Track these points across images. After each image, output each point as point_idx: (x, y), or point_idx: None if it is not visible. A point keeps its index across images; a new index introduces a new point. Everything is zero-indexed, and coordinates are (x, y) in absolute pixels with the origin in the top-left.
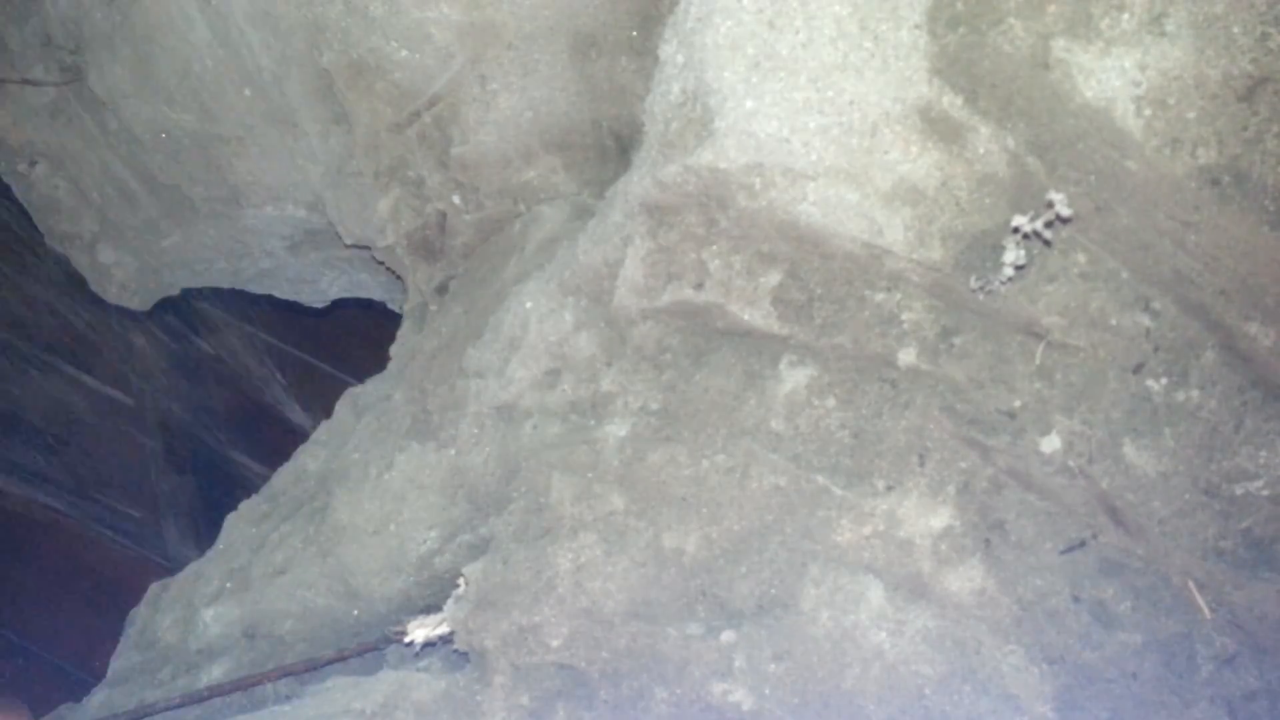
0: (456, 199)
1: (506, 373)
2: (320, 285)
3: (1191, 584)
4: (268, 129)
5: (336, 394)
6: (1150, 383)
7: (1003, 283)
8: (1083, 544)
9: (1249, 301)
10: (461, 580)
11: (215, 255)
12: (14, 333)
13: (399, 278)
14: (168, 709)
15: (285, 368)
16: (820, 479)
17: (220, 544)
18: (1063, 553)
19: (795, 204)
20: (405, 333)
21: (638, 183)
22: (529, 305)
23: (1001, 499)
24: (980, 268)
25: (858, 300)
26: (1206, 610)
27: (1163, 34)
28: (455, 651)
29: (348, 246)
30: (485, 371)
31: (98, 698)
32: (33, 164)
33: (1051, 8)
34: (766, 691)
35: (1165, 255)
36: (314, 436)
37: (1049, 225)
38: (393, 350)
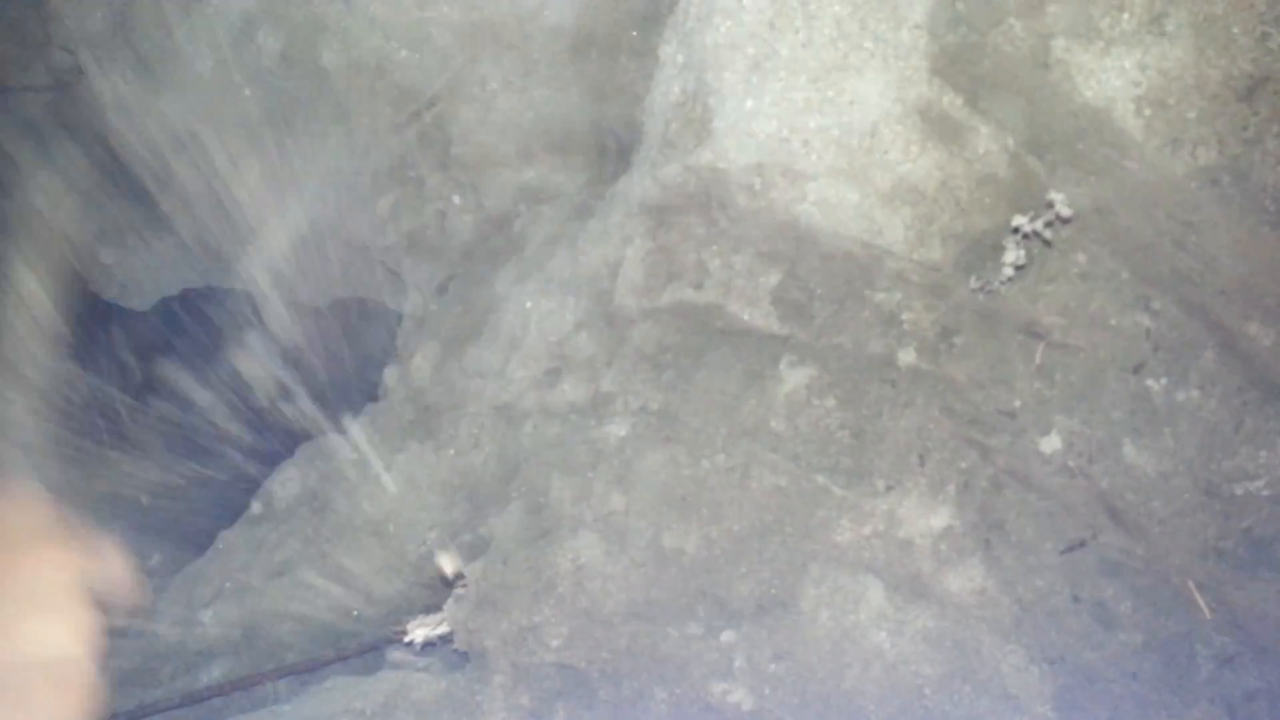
0: (456, 199)
1: (506, 373)
2: (320, 285)
3: (1191, 584)
4: (268, 129)
5: (336, 393)
6: (1150, 383)
7: (1003, 283)
8: (1083, 544)
9: (1249, 301)
10: (461, 580)
11: (215, 255)
12: (14, 332)
13: (399, 277)
14: (168, 709)
15: (286, 367)
16: (820, 479)
17: (220, 544)
18: (1063, 553)
19: (795, 204)
20: (405, 333)
21: (638, 183)
22: (529, 305)
23: (1001, 499)
24: (980, 268)
25: (858, 300)
26: (1206, 610)
27: (1163, 34)
28: (455, 651)
29: (347, 246)
30: (485, 371)
31: None
32: (33, 164)
33: (1051, 8)
34: (766, 691)
35: (1165, 255)
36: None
37: (1049, 225)
38: (397, 344)
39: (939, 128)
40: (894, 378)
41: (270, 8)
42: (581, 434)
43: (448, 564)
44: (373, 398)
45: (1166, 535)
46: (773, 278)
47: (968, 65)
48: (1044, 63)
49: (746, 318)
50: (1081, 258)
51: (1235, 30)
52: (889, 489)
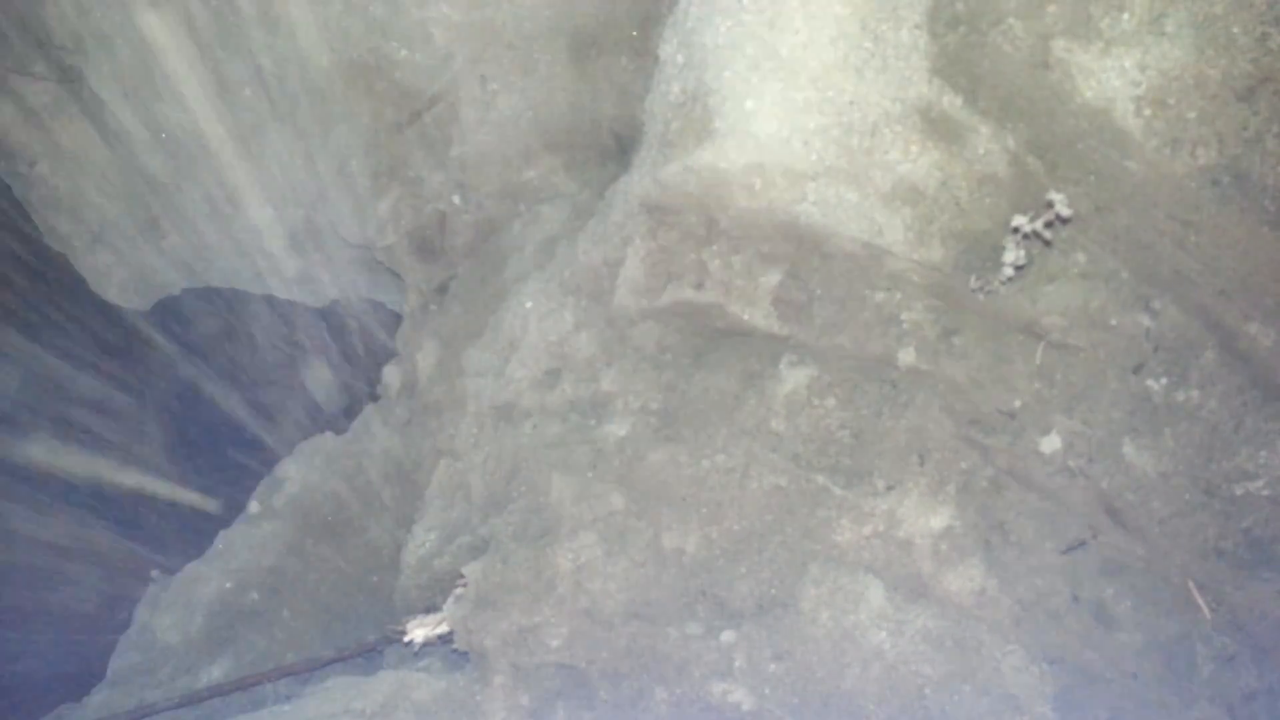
0: (456, 199)
1: (506, 373)
2: (320, 285)
3: (1191, 584)
4: (268, 129)
5: (336, 393)
6: (1150, 383)
7: (1003, 283)
8: (1083, 544)
9: (1249, 301)
10: (461, 580)
11: (215, 255)
12: (14, 333)
13: (399, 278)
14: (168, 709)
15: (284, 366)
16: (820, 479)
17: (219, 544)
18: (1063, 553)
19: (795, 204)
20: (405, 333)
21: (638, 183)
22: (529, 305)
23: (1001, 499)
24: (980, 268)
25: (858, 300)
26: (1206, 610)
27: (1163, 34)
28: (455, 651)
29: (348, 246)
30: (485, 371)
31: (98, 698)
32: (32, 164)
33: (1051, 8)
34: (766, 691)
35: (1165, 255)
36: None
37: (1049, 225)
38: (397, 344)
39: (939, 128)
40: (894, 378)
41: (270, 9)
42: (581, 434)
43: (419, 632)
44: (372, 397)
45: (1166, 535)
46: (773, 278)
47: (968, 65)
48: (1044, 63)
49: (746, 318)
50: (1081, 258)
51: (1235, 30)
52: (889, 489)
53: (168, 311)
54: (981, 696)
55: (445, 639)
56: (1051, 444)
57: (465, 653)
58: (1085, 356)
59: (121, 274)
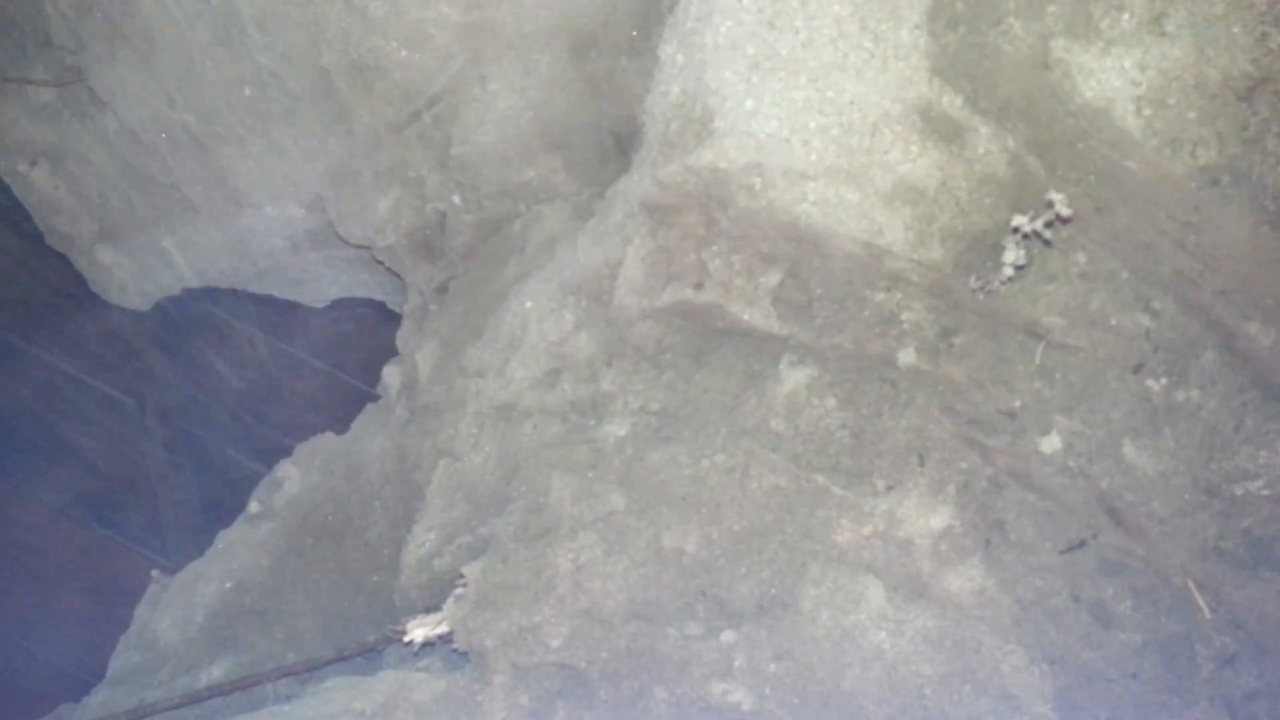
0: (456, 199)
1: (506, 373)
2: (320, 285)
3: (1191, 584)
4: (268, 129)
5: (336, 393)
6: (1150, 383)
7: (1003, 283)
8: (1083, 544)
9: (1249, 301)
10: (461, 580)
11: (215, 255)
12: (14, 333)
13: (399, 278)
14: (168, 709)
15: (284, 367)
16: (820, 479)
17: (220, 544)
18: (1063, 553)
19: (795, 204)
20: (405, 333)
21: (638, 183)
22: (529, 305)
23: (1001, 499)
24: (980, 268)
25: (858, 300)
26: (1206, 610)
27: (1163, 34)
28: (455, 651)
29: (348, 246)
30: (485, 371)
31: (98, 698)
32: (33, 164)
33: (1051, 8)
34: (766, 691)
35: (1165, 255)
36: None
37: (1049, 225)
38: (398, 344)
39: (939, 128)
40: (894, 378)
41: (271, 8)
42: (581, 434)
43: (419, 631)
44: (372, 397)
45: (1166, 535)
46: (773, 278)
47: (968, 65)
48: (1044, 63)
49: (746, 318)
50: (1081, 258)
51: (1235, 30)
52: (889, 489)
53: (168, 312)
54: (981, 696)
55: (445, 639)
56: (1051, 444)
57: (465, 653)
58: (1085, 356)
59: (121, 274)
